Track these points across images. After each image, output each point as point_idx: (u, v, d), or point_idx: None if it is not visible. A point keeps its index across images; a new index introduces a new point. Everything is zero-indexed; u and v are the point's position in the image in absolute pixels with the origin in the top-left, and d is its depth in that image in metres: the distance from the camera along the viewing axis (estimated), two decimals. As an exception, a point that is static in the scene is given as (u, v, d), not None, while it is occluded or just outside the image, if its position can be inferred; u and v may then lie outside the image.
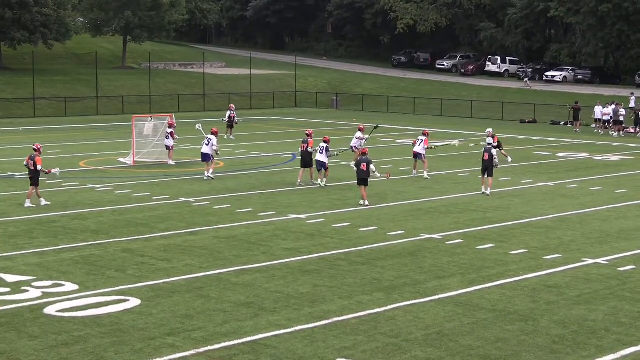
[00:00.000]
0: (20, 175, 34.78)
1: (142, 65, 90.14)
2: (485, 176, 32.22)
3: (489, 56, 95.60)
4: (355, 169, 30.14)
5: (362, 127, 39.99)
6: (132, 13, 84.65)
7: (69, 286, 19.18)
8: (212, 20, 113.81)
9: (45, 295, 18.46)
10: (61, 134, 54.03)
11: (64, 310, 17.44)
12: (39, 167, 28.53)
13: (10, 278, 19.77)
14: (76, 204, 29.41)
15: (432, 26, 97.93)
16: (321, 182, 33.60)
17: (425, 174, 35.84)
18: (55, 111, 69.19)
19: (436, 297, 18.80)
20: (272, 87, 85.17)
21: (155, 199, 30.43)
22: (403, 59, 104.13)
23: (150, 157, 40.57)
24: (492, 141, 33.91)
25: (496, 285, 19.83)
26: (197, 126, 40.25)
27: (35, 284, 19.31)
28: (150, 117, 43.19)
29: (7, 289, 18.86)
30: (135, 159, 39.71)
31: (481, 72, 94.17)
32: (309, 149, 33.86)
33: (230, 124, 51.59)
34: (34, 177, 28.67)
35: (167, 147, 39.55)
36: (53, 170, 29.40)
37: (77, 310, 17.43)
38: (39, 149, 29.13)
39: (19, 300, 18.09)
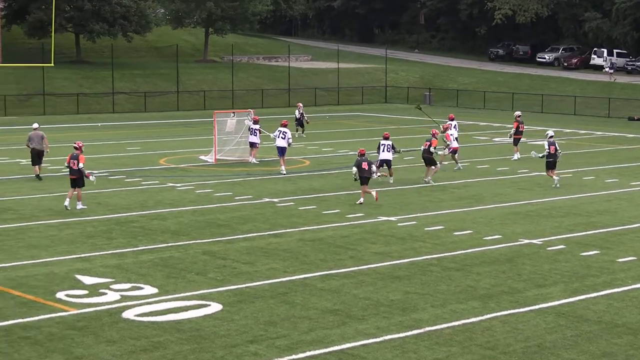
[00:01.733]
0: (99, 173, 35.36)
1: (225, 59, 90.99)
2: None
3: (594, 49, 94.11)
4: (355, 169, 30.27)
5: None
6: (215, 4, 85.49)
7: (148, 289, 19.42)
8: (298, 11, 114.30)
9: (124, 298, 18.72)
10: (140, 130, 54.86)
11: (143, 314, 17.66)
12: (80, 166, 27.97)
13: (88, 280, 20.11)
14: (156, 203, 29.81)
15: (533, 16, 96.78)
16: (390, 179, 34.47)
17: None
18: (135, 106, 70.32)
19: (536, 306, 18.54)
20: (361, 81, 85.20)
21: (237, 199, 30.66)
22: (501, 51, 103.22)
23: (232, 155, 40.91)
24: (552, 134, 35.39)
25: (602, 295, 19.48)
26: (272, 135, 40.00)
27: (113, 286, 19.61)
28: (233, 112, 43.54)
29: (85, 292, 19.18)
30: (217, 157, 40.07)
31: (585, 65, 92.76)
32: (431, 149, 33.75)
33: (300, 123, 51.78)
34: (79, 177, 28.18)
35: (253, 145, 39.71)
36: (91, 177, 28.66)
37: (156, 315, 17.64)
38: (80, 147, 28.60)
39: (97, 303, 18.38)
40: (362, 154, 30.57)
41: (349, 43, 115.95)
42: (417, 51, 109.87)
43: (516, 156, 41.43)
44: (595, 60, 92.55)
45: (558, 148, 34.44)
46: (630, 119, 66.37)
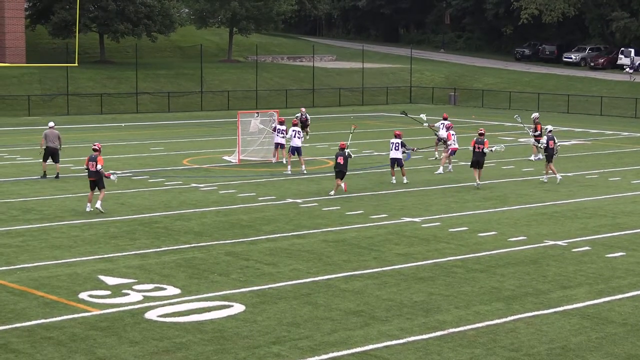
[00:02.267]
0: (122, 173, 35.53)
1: (249, 59, 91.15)
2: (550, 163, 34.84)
3: (622, 48, 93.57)
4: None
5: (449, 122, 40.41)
6: (239, 4, 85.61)
7: (171, 290, 19.50)
8: (323, 10, 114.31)
9: (147, 299, 18.81)
10: (164, 131, 55.06)
11: (166, 315, 17.74)
12: (99, 167, 27.69)
13: (111, 280, 20.21)
14: (179, 204, 29.92)
15: (559, 16, 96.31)
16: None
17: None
18: (159, 106, 70.56)
19: (561, 308, 18.49)
20: (386, 81, 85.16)
21: (260, 200, 30.73)
22: (527, 51, 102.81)
23: (256, 156, 40.99)
24: (551, 128, 36.05)
25: (628, 297, 19.40)
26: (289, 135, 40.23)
27: (136, 287, 19.70)
28: (257, 113, 43.60)
29: (108, 292, 19.29)
30: (241, 157, 40.16)
31: (613, 65, 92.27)
32: (485, 150, 33.47)
33: (303, 125, 51.32)
34: (99, 179, 27.91)
35: (279, 145, 39.71)
36: (112, 177, 28.81)
37: (179, 316, 17.71)
38: (99, 148, 28.42)
39: (119, 303, 18.47)
40: (342, 148, 31.75)
41: (374, 43, 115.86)
42: (442, 51, 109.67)
43: (537, 157, 41.00)
44: (622, 60, 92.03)
45: (557, 142, 35.29)
46: (658, 119, 66.01)
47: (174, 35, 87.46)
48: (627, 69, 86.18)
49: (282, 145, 39.73)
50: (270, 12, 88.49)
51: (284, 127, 39.53)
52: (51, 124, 36.14)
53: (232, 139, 44.80)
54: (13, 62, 72.00)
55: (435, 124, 41.20)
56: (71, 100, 68.06)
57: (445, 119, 40.86)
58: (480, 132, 34.39)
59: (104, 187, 28.28)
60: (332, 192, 31.61)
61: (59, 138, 35.31)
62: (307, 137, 50.95)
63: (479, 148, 33.28)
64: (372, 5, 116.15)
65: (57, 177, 34.80)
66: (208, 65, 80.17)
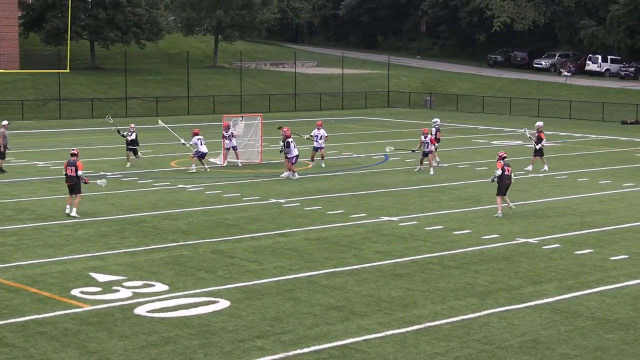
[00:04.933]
0: (112, 175, 35.45)
1: (234, 65, 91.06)
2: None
3: (589, 55, 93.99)
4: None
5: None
6: (224, 12, 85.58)
7: (159, 286, 19.47)
8: (304, 19, 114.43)
9: (136, 295, 18.77)
10: (153, 134, 54.87)
11: (154, 310, 17.71)
12: (79, 173, 27.06)
13: (101, 277, 20.16)
14: (167, 204, 29.85)
15: (530, 24, 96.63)
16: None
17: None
18: (147, 110, 70.37)
19: (532, 303, 18.55)
20: (365, 86, 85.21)
21: (245, 200, 30.70)
22: (499, 57, 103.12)
23: (240, 158, 40.88)
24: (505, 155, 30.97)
25: (595, 292, 19.49)
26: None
27: (126, 283, 19.66)
28: (241, 117, 43.54)
29: (99, 289, 19.24)
30: (226, 159, 40.07)
31: (581, 71, 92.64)
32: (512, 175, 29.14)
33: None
34: (76, 184, 27.22)
35: (317, 149, 39.12)
36: (98, 182, 28.58)
37: (167, 311, 17.68)
38: (77, 153, 27.77)
39: (110, 300, 18.43)
40: (287, 136, 35.00)
41: (353, 50, 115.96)
42: (418, 57, 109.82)
43: (546, 167, 38.51)
44: (590, 66, 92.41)
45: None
46: (624, 122, 66.29)
47: (161, 43, 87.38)
48: (565, 72, 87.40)
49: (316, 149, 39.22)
50: (254, 20, 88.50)
51: (320, 132, 39.01)
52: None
53: (217, 142, 44.71)
54: (7, 69, 71.74)
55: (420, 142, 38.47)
56: (63, 105, 67.81)
57: (425, 134, 37.98)
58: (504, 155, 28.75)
59: (80, 192, 27.50)
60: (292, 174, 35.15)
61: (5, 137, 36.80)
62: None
63: (508, 171, 28.12)
64: (352, 14, 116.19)
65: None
66: (194, 71, 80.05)
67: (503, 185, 28.05)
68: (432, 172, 37.08)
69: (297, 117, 66.29)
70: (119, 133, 39.83)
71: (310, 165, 38.84)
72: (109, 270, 20.89)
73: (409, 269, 21.38)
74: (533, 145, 38.86)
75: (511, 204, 28.49)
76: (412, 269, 21.38)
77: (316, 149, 38.94)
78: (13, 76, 71.49)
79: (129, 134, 38.43)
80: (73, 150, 28.12)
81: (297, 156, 35.61)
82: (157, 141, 50.22)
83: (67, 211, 27.56)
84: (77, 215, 27.23)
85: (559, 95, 79.46)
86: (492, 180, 28.39)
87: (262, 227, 26.21)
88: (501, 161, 28.07)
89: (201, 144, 37.08)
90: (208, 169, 37.29)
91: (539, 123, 39.98)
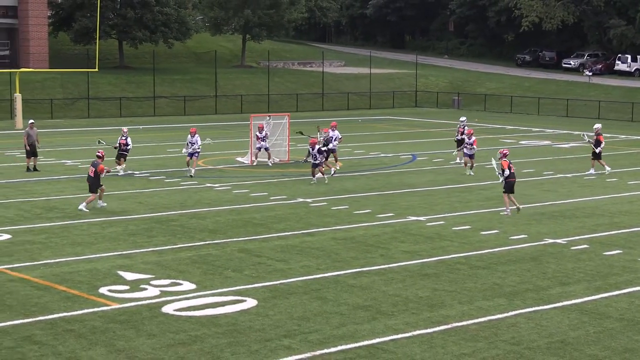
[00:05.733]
0: (140, 173, 35.58)
1: (261, 64, 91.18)
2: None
3: (619, 55, 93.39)
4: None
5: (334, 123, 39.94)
6: (252, 11, 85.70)
7: (187, 285, 19.52)
8: (332, 18, 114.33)
9: (163, 294, 18.83)
10: (180, 133, 55.03)
11: (182, 309, 17.76)
12: (102, 176, 28.05)
13: (129, 276, 20.24)
14: (194, 203, 29.94)
15: (559, 24, 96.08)
16: None
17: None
18: (175, 110, 70.62)
19: (560, 304, 18.45)
20: (392, 86, 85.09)
21: (272, 199, 30.73)
22: (527, 57, 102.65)
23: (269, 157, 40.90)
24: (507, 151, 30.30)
25: (624, 293, 19.35)
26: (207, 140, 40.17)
27: (153, 282, 19.72)
28: (269, 116, 43.59)
29: (126, 287, 19.31)
30: (254, 159, 40.12)
31: (610, 71, 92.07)
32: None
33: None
34: (92, 184, 28.03)
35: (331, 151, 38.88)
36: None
37: (194, 310, 17.72)
38: (102, 155, 28.57)
39: (137, 298, 18.50)
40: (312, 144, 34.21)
41: (381, 49, 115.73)
42: (446, 57, 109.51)
43: (608, 169, 38.23)
44: (620, 66, 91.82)
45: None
46: (653, 122, 65.82)
47: (189, 42, 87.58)
48: (587, 72, 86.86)
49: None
50: (281, 19, 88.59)
51: (335, 133, 38.76)
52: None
53: (245, 141, 44.81)
54: (37, 68, 72.19)
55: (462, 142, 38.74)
56: (92, 104, 68.15)
57: (469, 134, 37.77)
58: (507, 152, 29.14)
59: (95, 192, 28.15)
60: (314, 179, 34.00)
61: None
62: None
63: (512, 168, 28.31)
64: (379, 13, 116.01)
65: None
66: (222, 71, 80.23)
67: (510, 183, 28.11)
68: (471, 173, 36.87)
69: (325, 116, 66.25)
70: (100, 143, 36.22)
71: (338, 166, 38.61)
72: (136, 268, 20.97)
73: (436, 269, 21.32)
74: (591, 147, 38.60)
75: (519, 206, 28.45)
76: (440, 269, 21.32)
77: (332, 151, 38.55)
78: (42, 75, 71.93)
79: (122, 138, 36.58)
80: (99, 152, 28.74)
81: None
82: (183, 140, 50.33)
83: (100, 205, 28.30)
84: (104, 204, 28.26)
85: (588, 95, 78.99)
86: (500, 176, 28.33)
87: (289, 226, 26.22)
88: (506, 159, 28.23)
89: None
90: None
91: (597, 125, 39.51)
